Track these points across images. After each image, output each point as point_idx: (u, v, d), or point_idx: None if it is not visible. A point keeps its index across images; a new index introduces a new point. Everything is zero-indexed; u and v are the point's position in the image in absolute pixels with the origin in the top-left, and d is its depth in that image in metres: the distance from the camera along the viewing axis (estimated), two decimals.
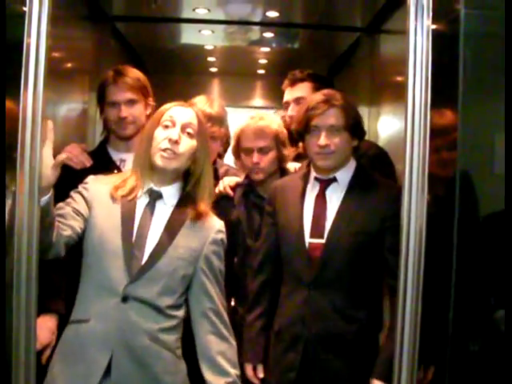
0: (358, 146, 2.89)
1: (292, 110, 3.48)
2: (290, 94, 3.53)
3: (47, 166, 2.29)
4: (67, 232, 2.44)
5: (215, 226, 2.64)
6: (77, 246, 2.52)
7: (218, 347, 2.56)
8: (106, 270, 2.44)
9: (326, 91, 2.88)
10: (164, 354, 2.46)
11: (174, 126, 2.54)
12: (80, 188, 2.60)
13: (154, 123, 2.59)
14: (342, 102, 2.79)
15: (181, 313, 2.56)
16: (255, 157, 3.22)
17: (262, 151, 3.23)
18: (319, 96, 2.82)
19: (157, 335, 2.44)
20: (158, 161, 2.51)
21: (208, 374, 2.54)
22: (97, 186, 2.59)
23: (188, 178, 2.62)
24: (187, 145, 2.54)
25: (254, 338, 2.93)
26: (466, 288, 2.20)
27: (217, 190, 3.29)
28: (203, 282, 2.57)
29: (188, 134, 2.55)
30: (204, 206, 2.60)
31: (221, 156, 3.80)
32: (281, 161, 3.31)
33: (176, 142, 2.50)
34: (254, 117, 3.32)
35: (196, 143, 2.57)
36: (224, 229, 2.68)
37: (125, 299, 2.41)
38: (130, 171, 2.65)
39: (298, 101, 3.46)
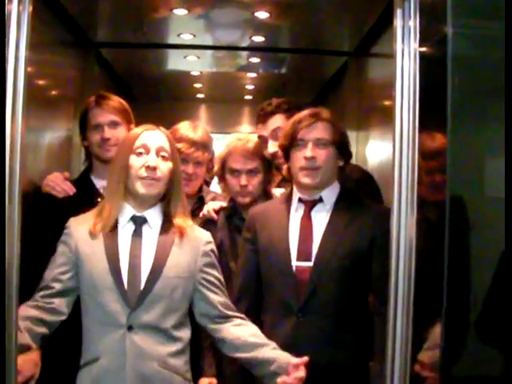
0: (344, 169, 2.87)
1: (272, 146, 3.37)
2: (264, 130, 3.45)
3: None
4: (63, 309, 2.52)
5: (202, 238, 2.65)
6: None
7: (248, 331, 2.58)
8: (104, 306, 2.44)
9: (313, 108, 2.88)
10: (174, 379, 2.48)
11: (148, 152, 2.55)
12: (63, 237, 2.58)
13: (126, 150, 2.58)
14: (330, 117, 2.80)
15: (186, 334, 2.56)
16: (243, 179, 3.17)
17: (251, 173, 3.19)
18: (307, 111, 2.83)
19: (166, 360, 2.45)
20: (140, 189, 2.52)
21: (265, 352, 2.53)
22: (78, 228, 2.57)
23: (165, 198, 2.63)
24: (164, 168, 2.56)
25: (237, 372, 2.83)
26: (457, 312, 2.15)
27: (201, 214, 3.29)
28: (204, 294, 2.59)
29: (163, 157, 2.57)
30: (181, 219, 2.61)
31: (208, 183, 3.76)
32: (267, 184, 3.28)
33: (154, 169, 2.52)
34: (242, 138, 3.28)
35: (171, 165, 2.59)
36: (212, 239, 2.69)
37: (130, 328, 2.42)
38: (104, 201, 2.63)
39: (275, 132, 3.37)
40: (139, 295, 2.44)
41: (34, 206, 2.96)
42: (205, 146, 3.40)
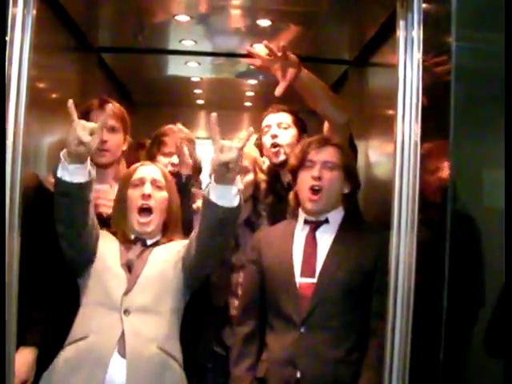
0: (350, 197, 2.92)
1: (273, 131, 3.51)
2: (273, 118, 3.58)
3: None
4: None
5: (184, 240, 2.83)
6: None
7: None
8: (106, 288, 2.59)
9: (323, 135, 3.07)
10: (171, 363, 2.58)
11: (144, 183, 2.77)
12: None
13: (124, 185, 2.82)
14: (339, 142, 2.90)
15: (179, 320, 2.72)
16: None
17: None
18: (318, 135, 2.98)
19: (163, 344, 2.57)
20: (136, 226, 2.75)
21: None
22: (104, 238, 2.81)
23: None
24: (160, 197, 2.81)
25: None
26: (457, 327, 2.14)
27: (194, 206, 3.32)
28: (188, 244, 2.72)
29: (157, 187, 2.79)
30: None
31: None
32: (255, 188, 3.36)
33: (149, 196, 2.76)
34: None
35: (167, 194, 2.79)
36: None
37: (126, 311, 2.55)
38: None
39: (280, 125, 3.53)
40: (131, 278, 2.61)
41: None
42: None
